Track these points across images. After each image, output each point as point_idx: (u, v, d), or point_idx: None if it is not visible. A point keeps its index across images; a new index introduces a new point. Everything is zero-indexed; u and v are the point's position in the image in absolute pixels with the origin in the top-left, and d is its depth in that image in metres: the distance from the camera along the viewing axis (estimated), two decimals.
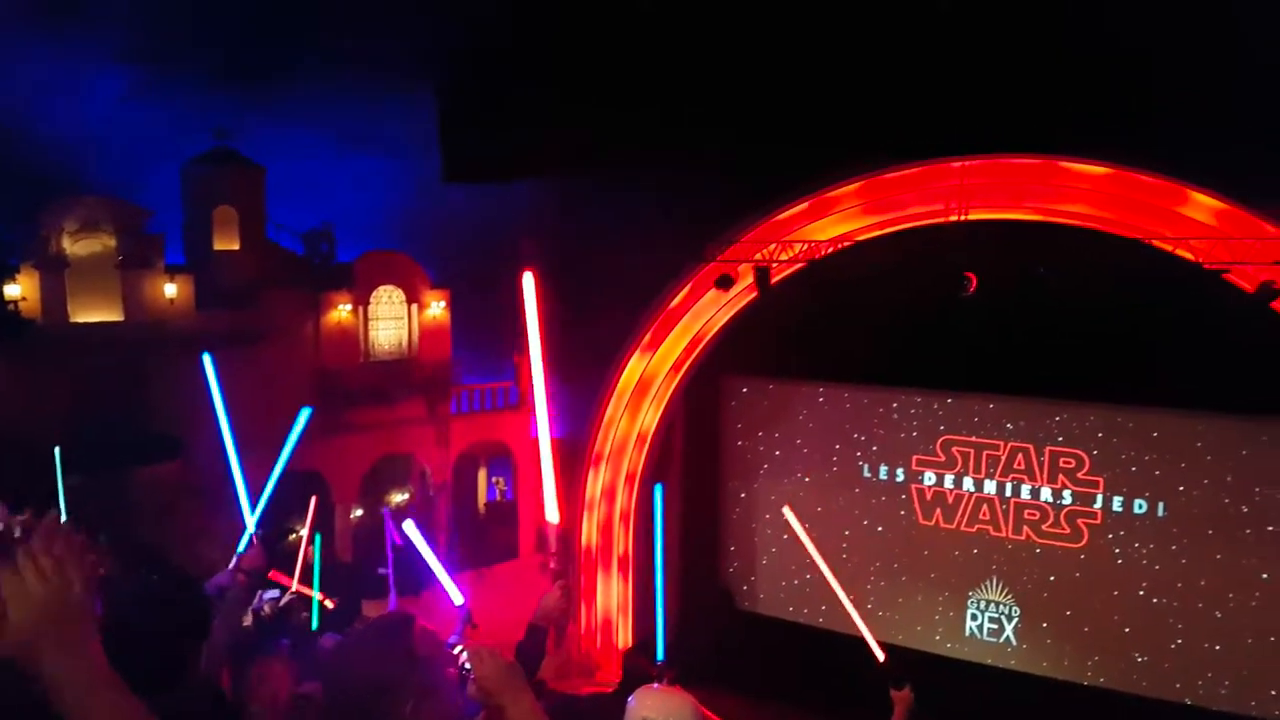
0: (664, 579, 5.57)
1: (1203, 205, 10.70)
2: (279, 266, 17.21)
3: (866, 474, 14.12)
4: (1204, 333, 10.55)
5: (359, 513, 17.12)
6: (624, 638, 15.47)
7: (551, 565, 3.46)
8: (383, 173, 19.51)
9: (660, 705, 2.76)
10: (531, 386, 3.47)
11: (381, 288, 17.99)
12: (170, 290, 15.81)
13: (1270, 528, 11.68)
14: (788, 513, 4.76)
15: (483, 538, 18.40)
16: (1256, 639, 11.83)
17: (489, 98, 15.08)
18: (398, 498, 17.99)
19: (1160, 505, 12.21)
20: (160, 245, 16.00)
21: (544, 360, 3.20)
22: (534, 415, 3.39)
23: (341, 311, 17.36)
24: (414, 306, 18.37)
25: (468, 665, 2.39)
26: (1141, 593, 12.41)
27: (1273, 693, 11.79)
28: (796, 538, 4.68)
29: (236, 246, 16.75)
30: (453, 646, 2.45)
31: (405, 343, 18.23)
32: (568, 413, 16.47)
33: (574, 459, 15.41)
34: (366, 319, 17.80)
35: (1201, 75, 10.16)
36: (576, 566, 15.12)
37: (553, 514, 3.39)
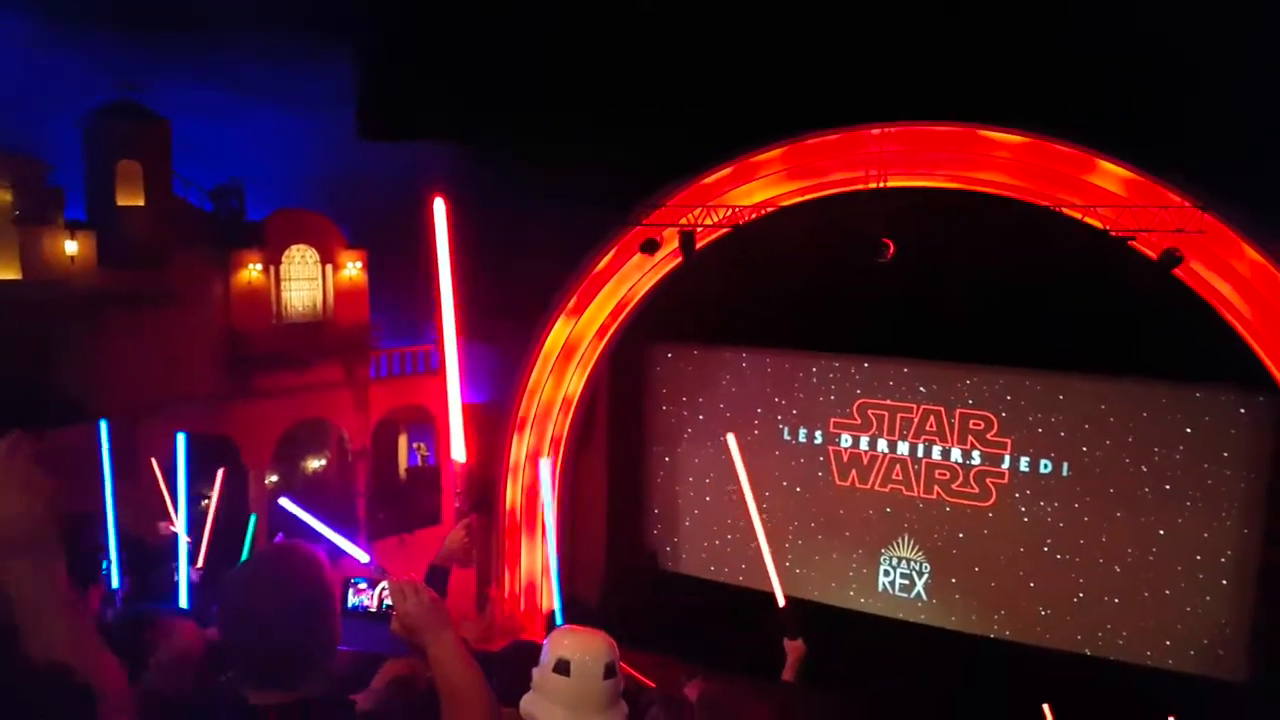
0: (557, 547, 5.77)
1: (1111, 174, 11.09)
2: (186, 224, 16.63)
3: (786, 437, 14.43)
4: (1110, 298, 11.00)
5: (274, 479, 16.81)
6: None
7: (456, 505, 3.30)
8: (294, 129, 18.92)
9: (577, 644, 2.68)
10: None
11: (294, 247, 17.53)
12: (71, 248, 15.17)
13: (1168, 487, 12.31)
14: (731, 441, 4.86)
15: (405, 504, 18.26)
16: (1153, 593, 12.50)
17: (408, 52, 14.72)
18: (314, 464, 17.71)
19: (1065, 465, 12.77)
20: (60, 200, 15.32)
21: (456, 304, 3.10)
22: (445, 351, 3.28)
23: (252, 271, 16.89)
24: (329, 267, 17.96)
25: (389, 601, 2.31)
26: (1046, 549, 12.98)
27: (1167, 643, 12.50)
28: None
29: (141, 203, 16.12)
30: (374, 582, 2.30)
31: (320, 304, 17.83)
32: (492, 377, 16.39)
33: (498, 423, 15.39)
34: (278, 279, 17.35)
35: (1112, 45, 10.44)
36: (499, 524, 15.16)
37: (459, 453, 3.31)
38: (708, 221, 12.66)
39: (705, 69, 12.00)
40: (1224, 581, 12.19)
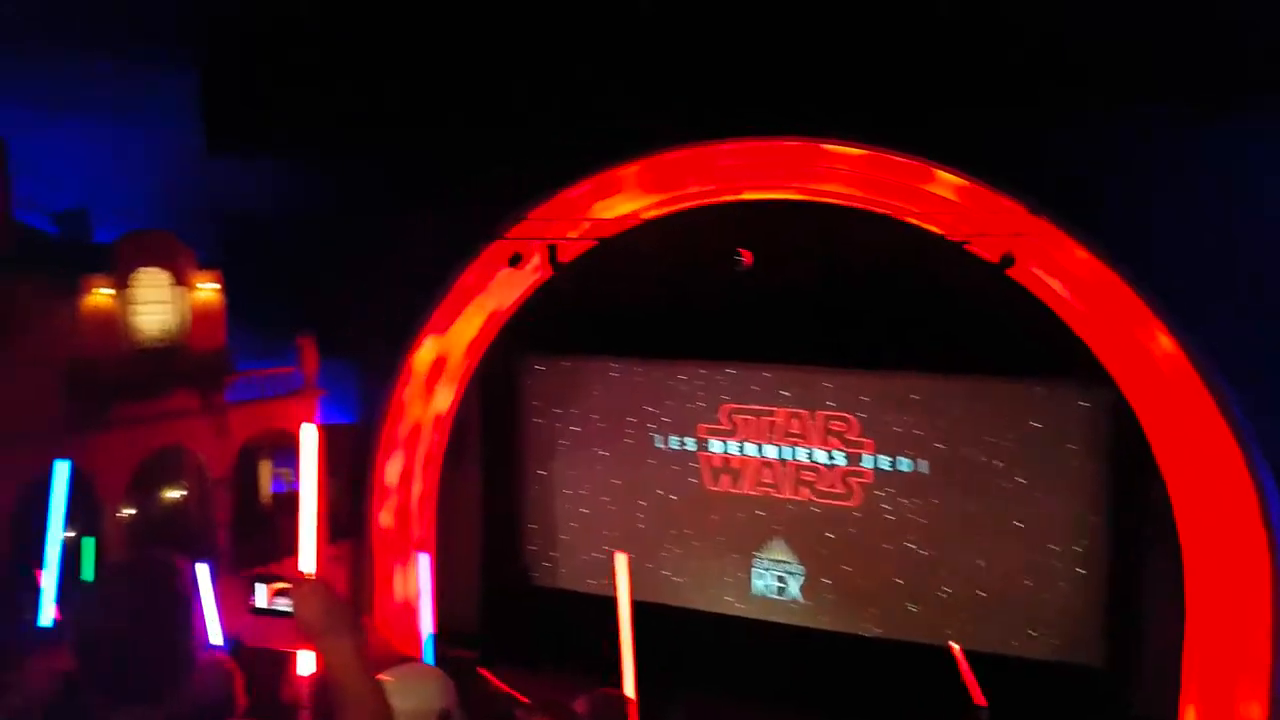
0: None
1: (947, 183, 12.37)
2: (27, 249, 16.65)
3: (659, 444, 15.46)
4: (954, 301, 12.29)
5: (130, 511, 16.93)
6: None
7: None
8: (140, 145, 19.02)
9: (407, 694, 2.77)
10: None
11: (144, 270, 17.69)
12: None
13: (1021, 480, 13.72)
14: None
15: (269, 532, 18.50)
16: (1013, 583, 13.86)
17: (258, 63, 15.17)
18: (172, 494, 17.88)
19: (924, 463, 14.05)
20: None
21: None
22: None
23: (100, 297, 17.01)
24: (182, 289, 18.15)
25: (278, 604, 2.46)
26: (910, 545, 14.27)
27: (1031, 633, 13.83)
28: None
29: None
30: (268, 580, 2.58)
31: (174, 328, 18.01)
32: (360, 397, 16.90)
33: (367, 444, 15.90)
34: (129, 304, 17.48)
35: (947, 58, 11.65)
36: (370, 549, 15.69)
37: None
38: (572, 234, 13.52)
39: (566, 85, 12.86)
40: (1078, 569, 13.58)
